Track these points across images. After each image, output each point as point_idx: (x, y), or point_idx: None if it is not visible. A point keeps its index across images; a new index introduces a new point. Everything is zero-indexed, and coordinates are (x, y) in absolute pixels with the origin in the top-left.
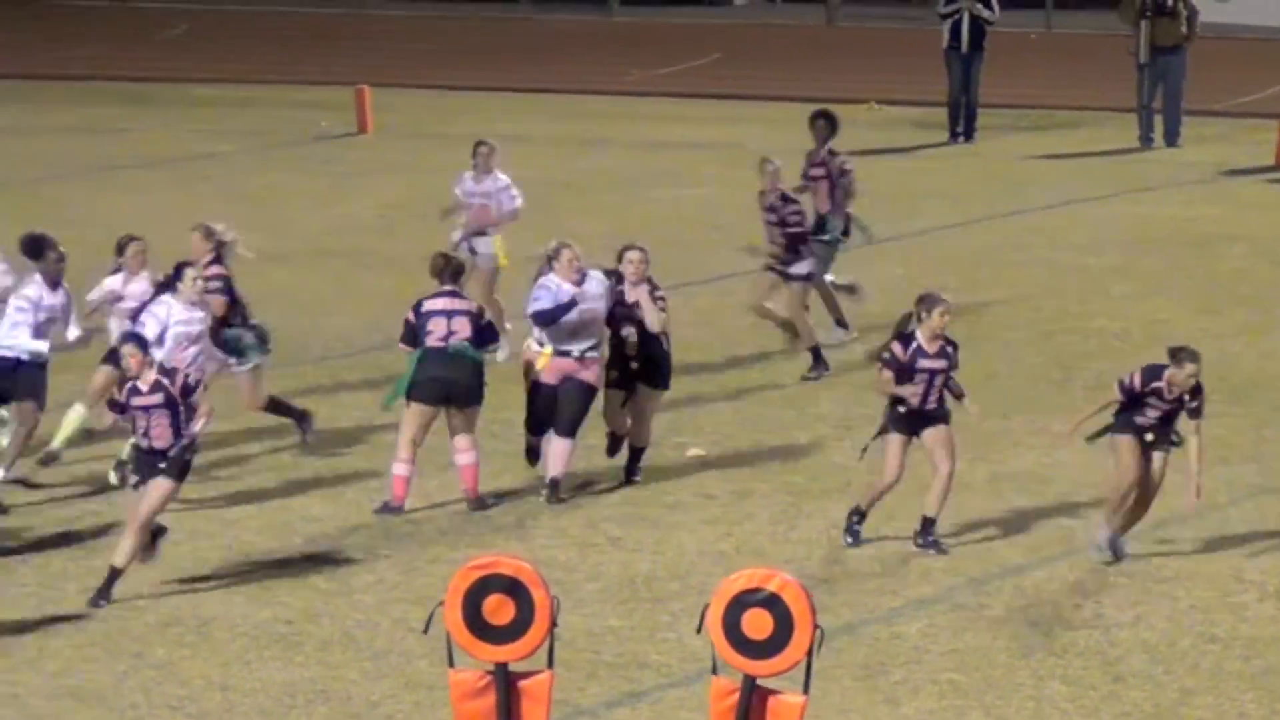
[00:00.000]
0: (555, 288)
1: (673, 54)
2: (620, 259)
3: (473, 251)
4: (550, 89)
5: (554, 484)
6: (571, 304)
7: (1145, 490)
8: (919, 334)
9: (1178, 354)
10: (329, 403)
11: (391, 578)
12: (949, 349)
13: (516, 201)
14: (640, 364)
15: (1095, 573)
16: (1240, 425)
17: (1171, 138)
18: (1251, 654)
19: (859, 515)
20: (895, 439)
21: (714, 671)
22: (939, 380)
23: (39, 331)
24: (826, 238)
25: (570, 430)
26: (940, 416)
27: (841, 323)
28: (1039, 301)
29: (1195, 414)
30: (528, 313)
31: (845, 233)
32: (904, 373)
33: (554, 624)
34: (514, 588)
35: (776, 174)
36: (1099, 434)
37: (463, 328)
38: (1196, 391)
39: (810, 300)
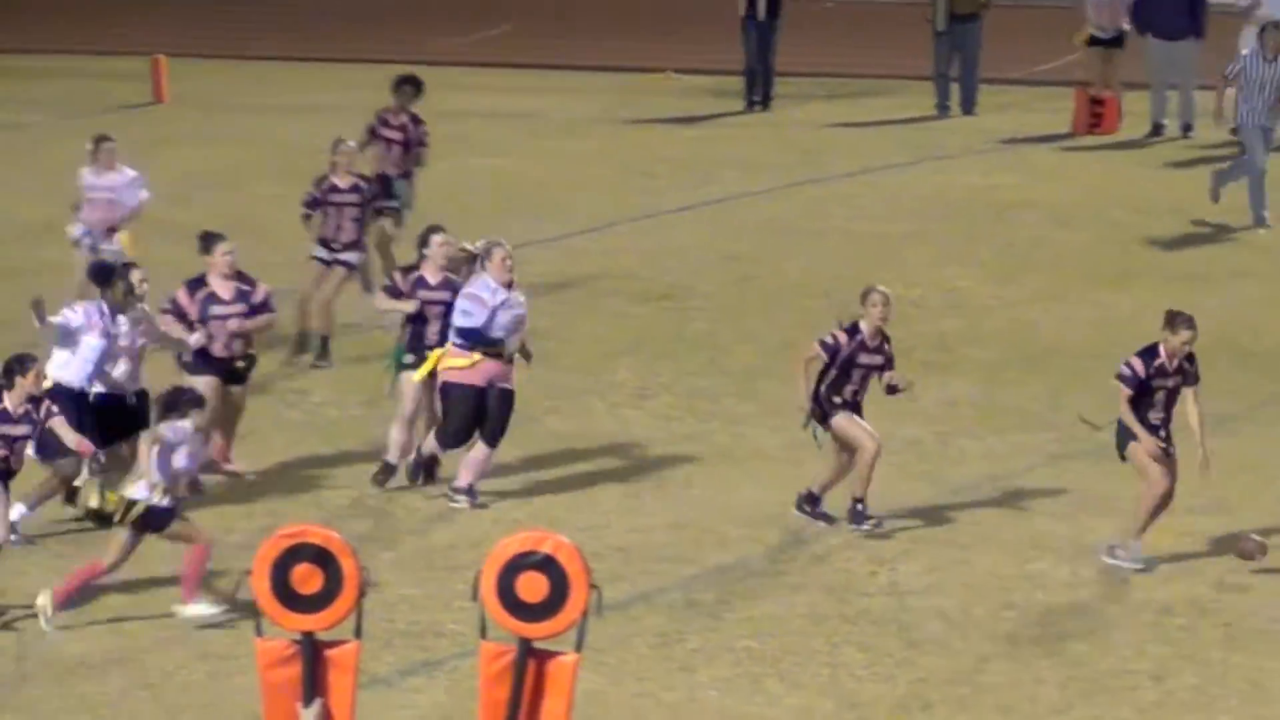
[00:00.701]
0: (489, 292)
1: (469, 23)
2: (426, 243)
3: (94, 249)
4: (346, 59)
5: (470, 490)
6: (494, 340)
7: (1170, 491)
8: (863, 326)
9: (1174, 319)
10: None
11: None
12: (887, 345)
13: (142, 194)
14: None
15: (891, 540)
16: (1037, 392)
17: (968, 106)
18: (1047, 621)
19: (859, 502)
20: (841, 416)
21: (482, 635)
22: (872, 377)
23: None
24: (395, 203)
25: (499, 440)
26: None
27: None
28: (836, 269)
29: (1192, 380)
30: (456, 325)
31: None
32: (843, 366)
33: (363, 594)
34: (322, 557)
35: (352, 155)
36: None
37: None
38: (1191, 358)
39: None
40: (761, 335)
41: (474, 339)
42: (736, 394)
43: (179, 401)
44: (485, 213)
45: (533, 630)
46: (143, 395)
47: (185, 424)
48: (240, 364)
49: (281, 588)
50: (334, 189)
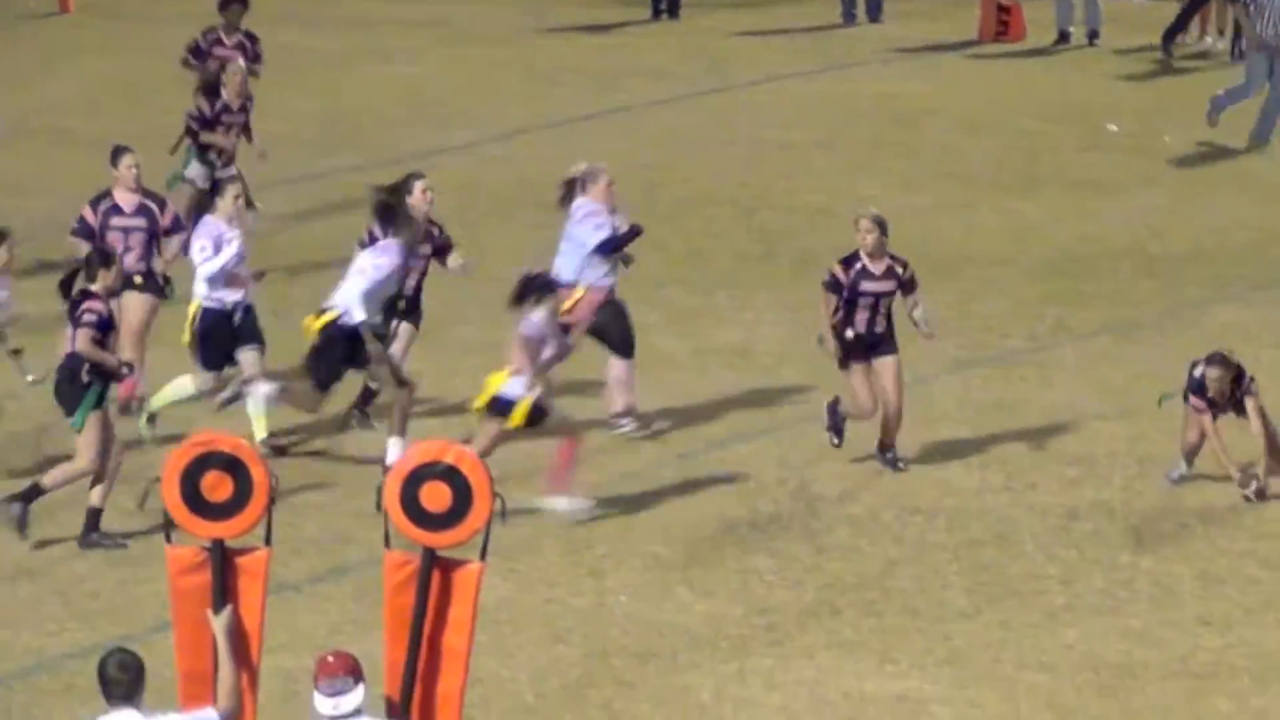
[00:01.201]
0: (604, 215)
1: None
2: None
3: None
4: None
5: (630, 411)
6: (638, 231)
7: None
8: (862, 253)
9: (1210, 359)
10: (35, 281)
11: None
12: (898, 269)
13: None
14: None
15: (799, 447)
16: (946, 300)
17: (874, 13)
18: (955, 525)
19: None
20: (856, 370)
21: (386, 545)
22: (885, 303)
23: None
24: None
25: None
26: (890, 344)
27: None
28: (743, 178)
29: (1247, 394)
30: (592, 245)
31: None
32: (848, 296)
33: (272, 501)
34: (232, 465)
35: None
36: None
37: None
38: (1239, 380)
39: None
40: (668, 243)
41: (610, 247)
42: (643, 301)
43: (530, 291)
44: (396, 121)
45: (437, 539)
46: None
47: (541, 313)
48: (137, 279)
49: (191, 495)
50: (226, 109)
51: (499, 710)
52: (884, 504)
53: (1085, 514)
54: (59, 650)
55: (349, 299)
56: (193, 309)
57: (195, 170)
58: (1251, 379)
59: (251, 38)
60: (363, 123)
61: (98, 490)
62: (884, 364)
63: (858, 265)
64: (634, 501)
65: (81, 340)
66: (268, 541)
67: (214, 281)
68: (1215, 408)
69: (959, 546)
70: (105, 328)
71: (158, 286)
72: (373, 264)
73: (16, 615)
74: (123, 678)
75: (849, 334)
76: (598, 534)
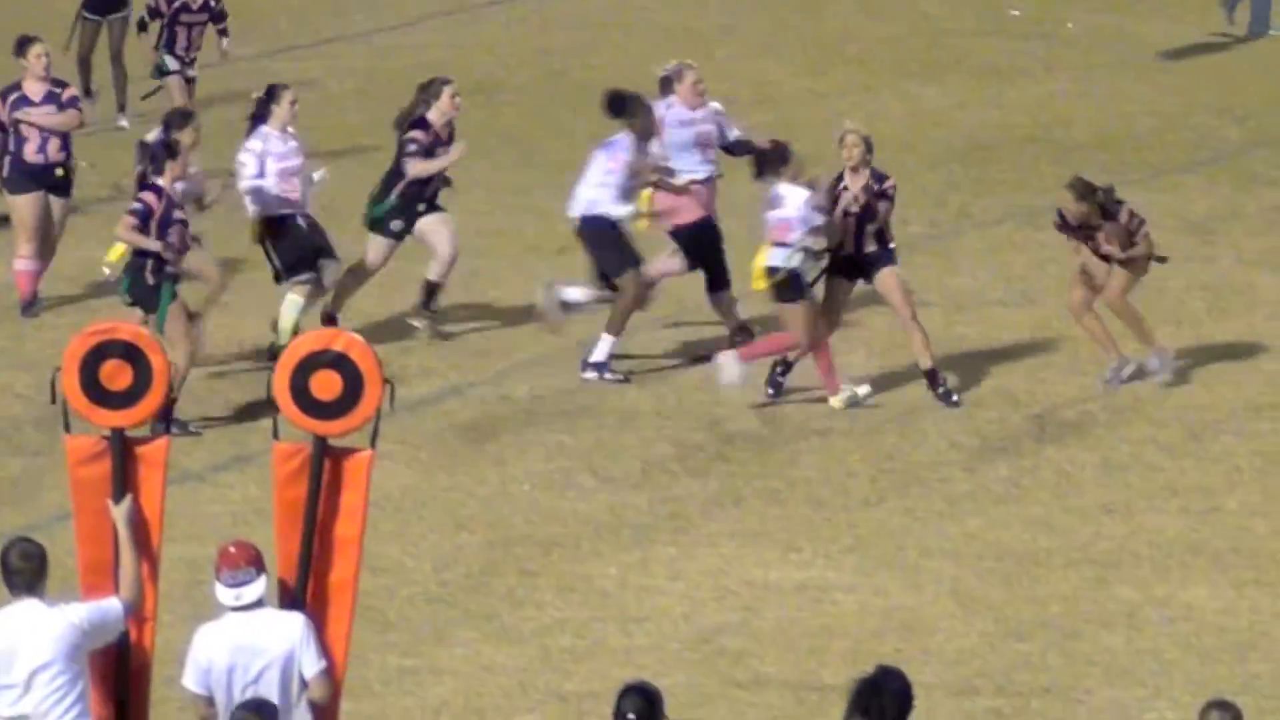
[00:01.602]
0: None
1: None
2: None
3: None
4: None
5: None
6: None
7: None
8: (845, 171)
9: (1068, 184)
10: None
11: None
12: (876, 184)
13: None
14: None
15: (698, 340)
16: None
17: None
18: (858, 413)
19: (784, 366)
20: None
21: (275, 436)
22: (869, 223)
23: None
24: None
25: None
26: (885, 259)
27: None
28: (647, 64)
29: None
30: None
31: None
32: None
33: (171, 390)
34: (131, 353)
35: None
36: None
37: None
38: (1106, 212)
39: None
40: (572, 129)
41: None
42: (546, 188)
43: (766, 164)
44: (294, 8)
45: (328, 428)
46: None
47: (783, 185)
48: (59, 172)
49: (91, 384)
50: (185, 7)
51: (403, 598)
52: (787, 392)
53: (989, 401)
54: None
55: (602, 200)
56: (255, 227)
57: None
58: (1120, 203)
59: None
60: (262, 11)
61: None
62: (883, 278)
63: (841, 183)
64: (536, 390)
65: (121, 225)
66: (168, 430)
67: (259, 196)
68: (1081, 232)
69: (862, 434)
70: (146, 216)
71: (69, 184)
72: (607, 165)
73: None
74: (25, 567)
75: (841, 253)
76: (501, 423)
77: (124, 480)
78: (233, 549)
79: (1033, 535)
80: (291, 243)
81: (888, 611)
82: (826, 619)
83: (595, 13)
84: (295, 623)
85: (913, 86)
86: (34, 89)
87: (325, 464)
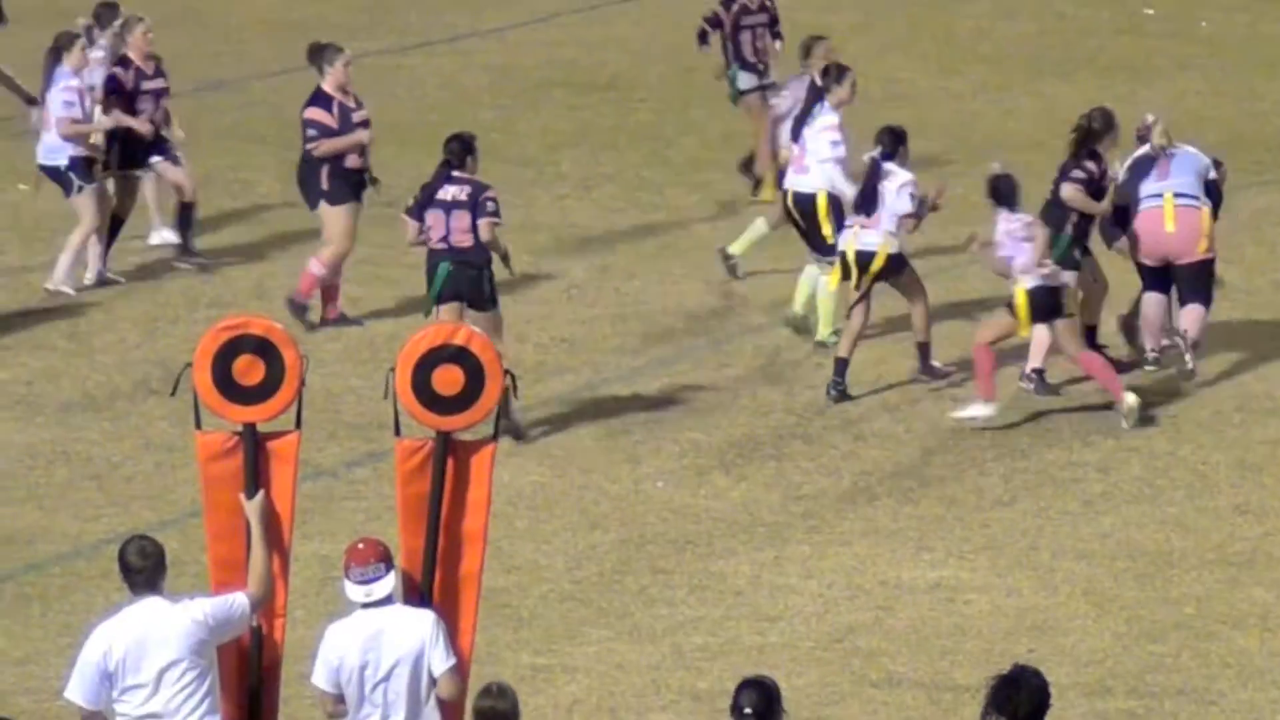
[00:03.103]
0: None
1: None
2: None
3: None
4: None
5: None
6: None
7: None
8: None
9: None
10: None
11: (133, 338)
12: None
13: None
14: None
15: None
16: (979, 184)
17: None
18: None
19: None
20: None
21: (396, 433)
22: None
23: None
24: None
25: None
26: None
27: None
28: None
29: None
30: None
31: None
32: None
33: (303, 384)
34: (264, 348)
35: None
36: None
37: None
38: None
39: None
40: (705, 126)
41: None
42: (680, 185)
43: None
44: (427, 3)
45: (451, 423)
46: None
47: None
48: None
49: (223, 380)
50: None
51: (536, 596)
52: (921, 391)
53: None
54: (96, 536)
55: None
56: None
57: None
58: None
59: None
60: (394, 4)
61: None
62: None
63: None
64: (668, 387)
65: None
66: (298, 425)
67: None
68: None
69: (996, 434)
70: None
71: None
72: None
73: (53, 500)
74: (144, 564)
75: None
76: (634, 420)
77: (255, 476)
78: (361, 545)
79: (1166, 535)
80: None
81: (1021, 612)
82: (959, 619)
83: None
84: (425, 619)
85: (1046, 85)
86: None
87: (448, 459)
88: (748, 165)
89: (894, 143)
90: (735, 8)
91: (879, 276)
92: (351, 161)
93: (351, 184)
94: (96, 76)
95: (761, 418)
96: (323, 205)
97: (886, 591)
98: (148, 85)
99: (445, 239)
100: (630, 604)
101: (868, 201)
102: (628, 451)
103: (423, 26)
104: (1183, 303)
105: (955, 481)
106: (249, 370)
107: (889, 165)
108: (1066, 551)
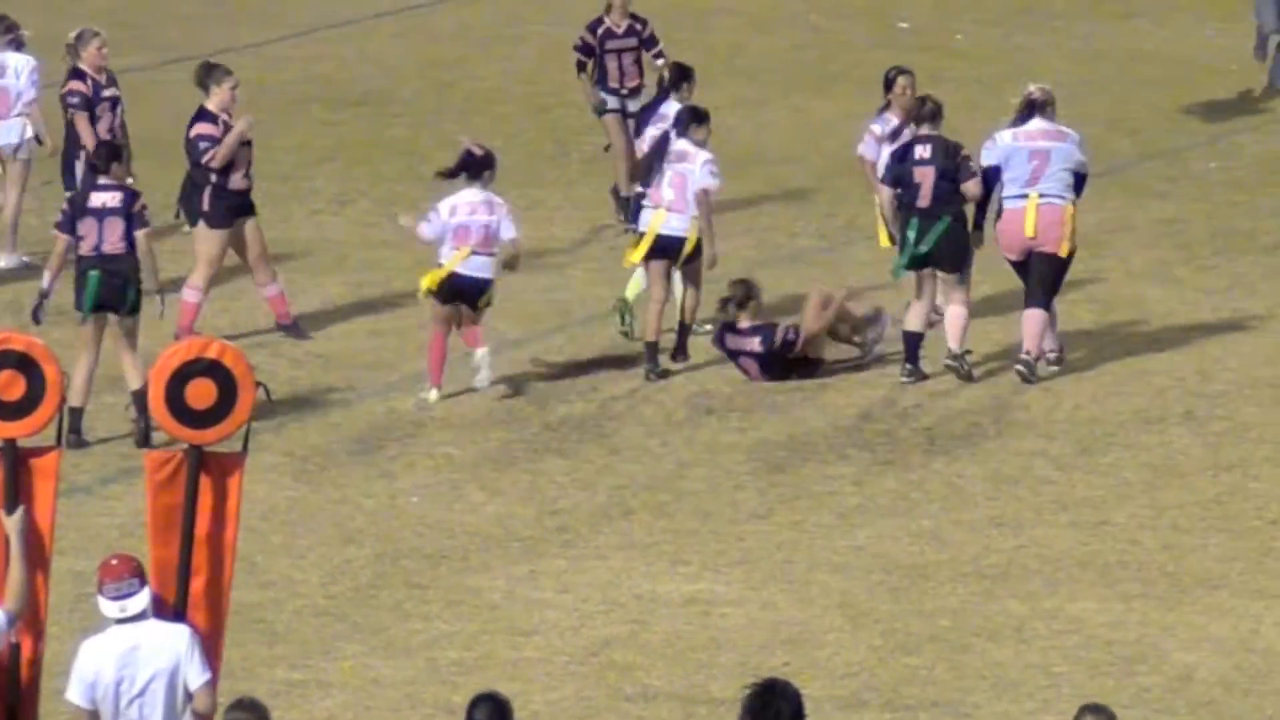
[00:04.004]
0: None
1: None
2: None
3: None
4: None
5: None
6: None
7: None
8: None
9: None
10: None
11: None
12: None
13: None
14: None
15: (590, 347)
16: (735, 199)
17: None
18: (747, 425)
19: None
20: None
21: (142, 444)
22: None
23: None
24: None
25: None
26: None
27: None
28: (534, 76)
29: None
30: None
31: None
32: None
33: (64, 400)
34: (24, 363)
35: None
36: None
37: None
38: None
39: None
40: (459, 141)
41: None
42: (434, 199)
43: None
44: (185, 18)
45: (204, 436)
46: None
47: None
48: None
49: None
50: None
51: (290, 611)
52: (677, 404)
53: (877, 415)
54: None
55: None
56: None
57: None
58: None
59: None
60: (152, 21)
61: None
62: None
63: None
64: (423, 403)
65: None
66: (59, 442)
67: None
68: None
69: (752, 447)
70: None
71: None
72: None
73: None
74: None
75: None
76: (388, 435)
77: (16, 491)
78: (115, 561)
79: (921, 548)
80: None
81: (776, 625)
82: (715, 632)
83: (482, 25)
84: (181, 634)
85: (801, 99)
86: None
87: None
88: (616, 191)
89: (692, 120)
90: (600, 31)
91: (688, 261)
92: (236, 183)
93: (232, 207)
94: None
95: (516, 431)
96: (200, 226)
97: (642, 605)
98: (106, 94)
99: (97, 247)
100: (385, 619)
101: (650, 173)
102: (382, 466)
103: (181, 42)
104: (1026, 300)
105: (710, 495)
106: (9, 386)
107: (685, 144)
108: (821, 564)
